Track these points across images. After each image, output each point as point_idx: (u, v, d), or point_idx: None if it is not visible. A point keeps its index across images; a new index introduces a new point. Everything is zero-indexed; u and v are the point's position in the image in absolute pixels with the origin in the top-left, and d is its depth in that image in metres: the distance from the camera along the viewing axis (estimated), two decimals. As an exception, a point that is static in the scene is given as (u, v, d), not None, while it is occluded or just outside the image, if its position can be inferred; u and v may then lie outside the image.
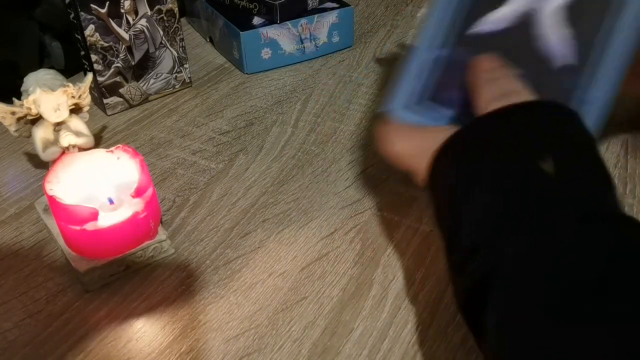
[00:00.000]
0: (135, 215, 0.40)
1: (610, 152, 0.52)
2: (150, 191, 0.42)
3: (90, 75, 0.47)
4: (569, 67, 0.37)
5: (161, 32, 0.60)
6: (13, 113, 0.45)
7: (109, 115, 0.61)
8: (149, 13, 0.59)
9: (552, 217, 0.29)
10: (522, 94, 0.35)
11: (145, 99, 0.63)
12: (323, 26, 0.69)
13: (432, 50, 0.40)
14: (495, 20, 0.39)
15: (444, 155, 0.35)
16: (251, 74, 0.67)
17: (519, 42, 0.38)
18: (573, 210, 0.30)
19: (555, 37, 0.37)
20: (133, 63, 0.60)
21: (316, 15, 0.68)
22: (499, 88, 0.36)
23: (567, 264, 0.27)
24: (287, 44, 0.68)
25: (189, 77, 0.65)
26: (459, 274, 0.32)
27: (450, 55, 0.40)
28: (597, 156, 0.32)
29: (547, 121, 0.33)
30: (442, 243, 0.35)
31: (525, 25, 0.38)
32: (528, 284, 0.28)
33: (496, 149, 0.32)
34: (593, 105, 0.36)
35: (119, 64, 0.59)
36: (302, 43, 0.68)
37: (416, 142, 0.38)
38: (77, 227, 0.40)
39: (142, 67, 0.61)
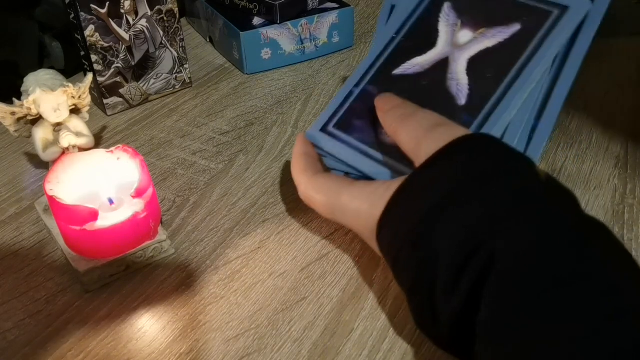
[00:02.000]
0: (135, 215, 0.40)
1: (610, 152, 0.52)
2: (150, 191, 0.42)
3: (90, 76, 0.47)
4: (468, 107, 0.41)
5: (161, 33, 0.60)
6: (13, 113, 0.45)
7: (109, 116, 0.61)
8: (149, 13, 0.59)
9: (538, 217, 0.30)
10: (450, 126, 0.36)
11: (146, 99, 0.63)
12: (323, 26, 0.69)
13: (352, 85, 0.46)
14: (417, 63, 0.44)
15: (398, 202, 0.34)
16: (251, 74, 0.67)
17: (434, 82, 0.43)
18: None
19: (461, 81, 0.42)
20: (133, 63, 0.60)
21: (316, 16, 0.68)
22: (423, 123, 0.37)
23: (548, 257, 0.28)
24: (287, 44, 0.68)
25: (189, 78, 0.65)
26: (446, 300, 0.31)
27: (363, 89, 0.46)
28: (547, 176, 0.32)
29: (496, 150, 0.33)
30: (408, 292, 0.34)
31: (441, 69, 0.43)
32: (521, 278, 0.28)
33: (462, 175, 0.32)
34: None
35: (119, 64, 0.59)
36: (302, 43, 0.68)
37: (343, 198, 0.38)
38: (77, 227, 0.40)
39: (142, 68, 0.61)
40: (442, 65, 0.43)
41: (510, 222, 0.29)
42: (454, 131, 0.35)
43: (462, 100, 0.41)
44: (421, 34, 0.45)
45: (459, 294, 0.30)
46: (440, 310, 0.31)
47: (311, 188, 0.41)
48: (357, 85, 0.46)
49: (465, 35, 0.43)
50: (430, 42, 0.44)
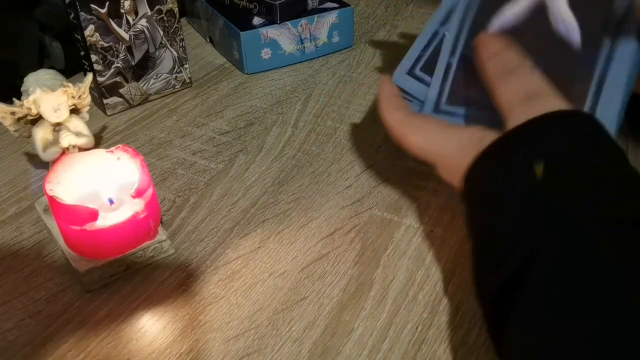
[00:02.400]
0: (135, 215, 0.40)
1: (610, 152, 0.52)
2: (150, 191, 0.42)
3: (90, 76, 0.47)
4: (586, 46, 0.37)
5: (161, 32, 0.60)
6: (13, 113, 0.45)
7: (109, 116, 0.61)
8: (149, 13, 0.59)
9: (587, 221, 0.29)
10: (547, 97, 0.35)
11: (145, 99, 0.63)
12: (323, 26, 0.69)
13: (437, 25, 0.43)
14: (511, 15, 0.40)
15: (482, 164, 0.35)
16: (251, 74, 0.67)
17: (539, 29, 0.39)
18: (606, 215, 0.30)
19: (566, 19, 0.38)
20: (133, 63, 0.60)
21: (316, 15, 0.68)
22: (521, 87, 0.36)
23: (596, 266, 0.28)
24: (287, 44, 0.68)
25: (189, 77, 0.65)
26: (491, 273, 0.32)
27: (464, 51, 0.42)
28: (631, 168, 0.32)
29: (580, 134, 0.33)
30: (472, 244, 0.35)
31: (541, 14, 0.39)
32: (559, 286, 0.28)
33: (533, 159, 0.32)
34: (609, 101, 0.37)
35: (119, 64, 0.59)
36: (302, 43, 0.68)
37: (438, 139, 0.39)
38: (77, 227, 0.40)
39: (142, 67, 0.61)
40: (539, 9, 0.39)
41: (567, 232, 0.30)
42: (552, 104, 0.34)
43: (575, 40, 0.37)
44: None
45: (500, 275, 0.31)
46: (489, 274, 0.33)
47: (406, 126, 0.41)
48: (442, 24, 0.43)
49: None
50: None
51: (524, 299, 0.29)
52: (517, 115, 0.35)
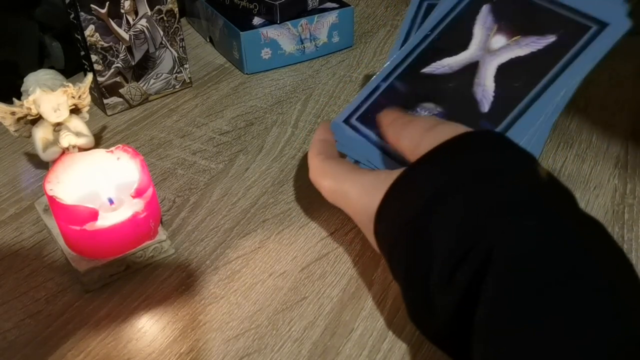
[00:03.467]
0: (135, 215, 0.40)
1: (610, 152, 0.52)
2: (150, 191, 0.42)
3: (90, 76, 0.47)
4: (491, 114, 0.41)
5: (161, 32, 0.60)
6: (13, 113, 0.45)
7: (109, 116, 0.61)
8: (149, 13, 0.59)
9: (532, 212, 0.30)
10: (444, 125, 0.36)
11: (146, 99, 0.63)
12: (323, 26, 0.69)
13: (380, 80, 0.46)
14: (447, 64, 0.44)
15: (395, 194, 0.34)
16: (251, 74, 0.67)
17: (461, 85, 0.42)
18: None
19: (487, 87, 0.41)
20: (133, 63, 0.60)
21: (316, 16, 0.68)
22: (419, 127, 0.37)
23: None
24: (287, 44, 0.68)
25: (189, 77, 0.65)
26: (441, 293, 0.31)
27: (390, 85, 0.45)
28: (548, 174, 0.33)
29: (498, 146, 0.34)
30: (403, 284, 0.34)
31: (470, 72, 0.43)
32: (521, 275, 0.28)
33: (461, 169, 0.32)
34: None
35: (119, 64, 0.59)
36: (302, 43, 0.68)
37: (346, 181, 0.39)
38: (77, 227, 0.40)
39: (142, 67, 0.61)
40: (471, 68, 0.43)
41: (508, 219, 0.30)
42: (455, 128, 0.35)
43: (485, 107, 0.41)
44: (455, 35, 0.45)
45: (454, 288, 0.30)
46: (435, 304, 0.31)
47: (320, 171, 0.41)
48: (384, 79, 0.46)
49: (498, 40, 0.42)
50: (462, 43, 0.44)
51: (493, 304, 0.28)
52: (424, 143, 0.35)
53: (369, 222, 0.37)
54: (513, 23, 0.43)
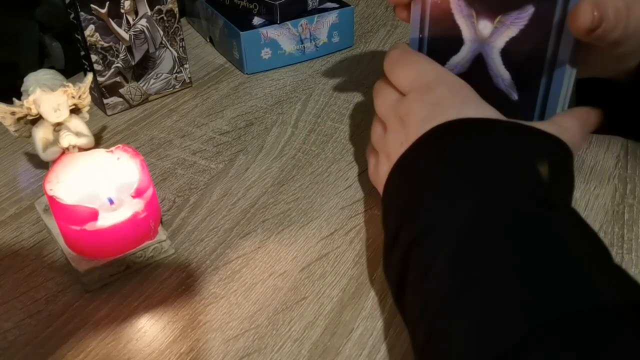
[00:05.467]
0: (135, 215, 0.40)
1: (610, 152, 0.52)
2: (150, 191, 0.42)
3: (90, 75, 0.47)
4: (523, 99, 0.41)
5: (161, 32, 0.60)
6: (13, 113, 0.45)
7: (109, 115, 0.61)
8: (149, 13, 0.59)
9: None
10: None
11: (146, 99, 0.63)
12: (323, 26, 0.69)
13: None
14: (457, 63, 0.44)
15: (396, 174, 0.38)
16: (251, 74, 0.67)
17: (483, 80, 0.42)
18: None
19: (504, 76, 0.41)
20: (133, 63, 0.60)
21: (316, 15, 0.68)
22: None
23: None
24: (287, 44, 0.68)
25: (189, 77, 0.65)
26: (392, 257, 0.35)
27: None
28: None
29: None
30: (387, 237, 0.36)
31: (481, 66, 0.42)
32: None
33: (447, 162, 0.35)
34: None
35: (119, 64, 0.59)
36: (302, 43, 0.68)
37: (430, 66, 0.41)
38: (77, 227, 0.40)
39: (142, 67, 0.61)
40: (479, 62, 0.42)
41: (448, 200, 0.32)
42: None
43: (514, 95, 0.41)
44: (444, 31, 0.44)
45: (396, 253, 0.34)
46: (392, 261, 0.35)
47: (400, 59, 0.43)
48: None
49: (485, 26, 0.42)
50: (457, 38, 0.43)
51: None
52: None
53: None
54: (486, 4, 0.42)
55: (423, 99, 0.39)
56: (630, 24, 0.36)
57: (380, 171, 0.42)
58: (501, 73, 0.41)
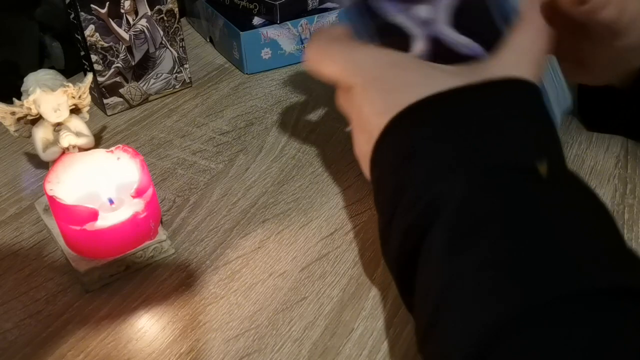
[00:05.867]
0: (135, 215, 0.40)
1: (610, 152, 0.52)
2: (150, 191, 0.42)
3: (90, 76, 0.47)
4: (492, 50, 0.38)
5: (161, 32, 0.60)
6: (13, 113, 0.45)
7: (109, 116, 0.61)
8: (149, 13, 0.59)
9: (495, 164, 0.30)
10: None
11: (146, 99, 0.63)
12: (323, 26, 0.69)
13: None
14: (421, 51, 0.41)
15: (394, 130, 0.34)
16: (251, 74, 0.67)
17: (450, 56, 0.39)
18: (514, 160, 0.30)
19: (463, 42, 0.39)
20: (133, 63, 0.60)
21: (316, 16, 0.68)
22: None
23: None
24: (287, 44, 0.68)
25: (189, 77, 0.65)
26: (405, 235, 0.32)
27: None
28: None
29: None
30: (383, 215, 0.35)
31: (440, 46, 0.40)
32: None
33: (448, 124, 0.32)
34: None
35: (119, 64, 0.59)
36: (302, 43, 0.68)
37: (343, 63, 0.36)
38: (77, 227, 0.40)
39: (142, 67, 0.61)
40: (437, 42, 0.40)
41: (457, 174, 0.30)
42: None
43: (485, 54, 0.39)
44: (392, 32, 0.41)
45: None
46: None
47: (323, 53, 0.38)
48: None
49: (421, 10, 0.40)
50: (405, 37, 0.41)
51: (427, 245, 0.29)
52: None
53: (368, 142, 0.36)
54: None
55: (369, 90, 0.36)
56: (628, 9, 0.35)
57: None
58: (461, 41, 0.39)
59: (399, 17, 0.40)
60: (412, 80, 0.35)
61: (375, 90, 0.35)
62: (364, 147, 0.37)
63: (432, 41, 0.41)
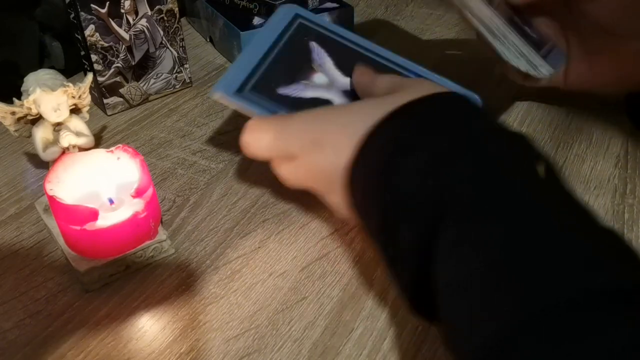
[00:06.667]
0: (135, 215, 0.40)
1: (610, 152, 0.52)
2: (150, 191, 0.42)
3: (90, 75, 0.47)
4: None
5: (161, 32, 0.60)
6: (13, 113, 0.45)
7: (109, 115, 0.61)
8: (149, 13, 0.59)
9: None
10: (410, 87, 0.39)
11: (146, 99, 0.63)
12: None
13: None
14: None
15: (370, 146, 0.35)
16: (251, 74, 0.67)
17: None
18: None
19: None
20: (133, 63, 0.60)
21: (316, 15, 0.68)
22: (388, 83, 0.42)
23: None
24: (287, 44, 0.67)
25: (189, 77, 0.65)
26: (415, 248, 0.31)
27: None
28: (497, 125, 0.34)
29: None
30: (376, 235, 0.34)
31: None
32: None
33: (426, 129, 0.34)
34: None
35: (119, 64, 0.59)
36: (302, 43, 0.68)
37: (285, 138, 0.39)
38: (77, 227, 0.40)
39: (142, 67, 0.61)
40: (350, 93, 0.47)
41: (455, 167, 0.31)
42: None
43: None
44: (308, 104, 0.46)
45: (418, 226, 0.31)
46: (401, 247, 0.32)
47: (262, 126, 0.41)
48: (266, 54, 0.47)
49: (320, 77, 0.47)
50: (323, 101, 0.46)
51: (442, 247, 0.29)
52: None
53: (337, 178, 0.37)
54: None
55: (317, 146, 0.38)
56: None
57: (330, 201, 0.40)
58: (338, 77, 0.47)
59: (307, 92, 0.46)
60: (353, 113, 0.39)
61: (324, 143, 0.38)
62: (334, 193, 0.39)
63: (344, 93, 0.46)
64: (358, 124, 0.36)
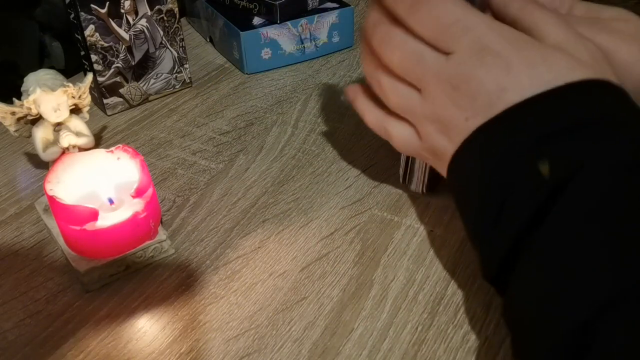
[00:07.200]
0: (135, 215, 0.40)
1: (610, 152, 0.52)
2: (150, 191, 0.42)
3: (90, 75, 0.47)
4: None
5: (161, 32, 0.60)
6: (13, 113, 0.45)
7: (109, 115, 0.61)
8: (149, 13, 0.59)
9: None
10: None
11: (146, 99, 0.63)
12: (323, 26, 0.69)
13: None
14: None
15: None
16: (251, 74, 0.67)
17: None
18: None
19: None
20: (133, 63, 0.60)
21: (316, 15, 0.68)
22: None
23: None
24: (287, 44, 0.68)
25: (189, 77, 0.65)
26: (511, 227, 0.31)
27: None
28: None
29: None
30: (467, 213, 0.35)
31: None
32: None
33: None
34: None
35: (119, 64, 0.59)
36: (302, 43, 0.68)
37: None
38: (77, 227, 0.40)
39: (142, 67, 0.61)
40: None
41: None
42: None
43: None
44: None
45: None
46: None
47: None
48: None
49: None
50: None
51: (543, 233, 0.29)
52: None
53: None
54: None
55: (484, 62, 0.32)
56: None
57: (433, 142, 0.36)
58: None
59: None
60: (523, 59, 0.32)
61: (494, 64, 0.32)
62: (451, 113, 0.34)
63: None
64: (547, 75, 0.31)
